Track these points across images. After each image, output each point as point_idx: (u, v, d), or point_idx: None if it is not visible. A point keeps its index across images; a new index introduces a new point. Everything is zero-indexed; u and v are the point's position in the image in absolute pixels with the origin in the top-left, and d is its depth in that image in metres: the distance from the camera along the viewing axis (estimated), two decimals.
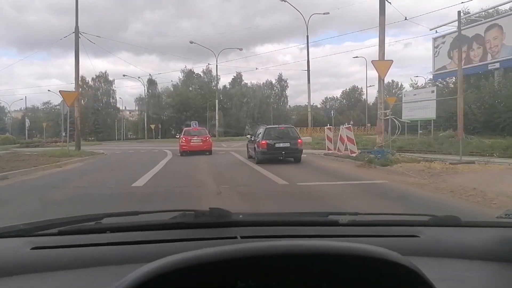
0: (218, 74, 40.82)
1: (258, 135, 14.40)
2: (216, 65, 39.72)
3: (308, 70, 28.22)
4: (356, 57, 50.60)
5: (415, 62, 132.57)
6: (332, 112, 39.64)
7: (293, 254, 0.69)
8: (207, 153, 19.46)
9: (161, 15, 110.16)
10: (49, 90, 69.11)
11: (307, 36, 28.02)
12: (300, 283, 0.68)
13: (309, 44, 26.96)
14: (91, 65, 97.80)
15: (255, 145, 14.17)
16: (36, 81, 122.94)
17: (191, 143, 19.48)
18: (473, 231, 1.44)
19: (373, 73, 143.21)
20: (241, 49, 36.75)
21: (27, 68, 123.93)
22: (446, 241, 1.32)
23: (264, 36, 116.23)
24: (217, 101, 40.90)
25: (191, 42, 38.57)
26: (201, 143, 19.64)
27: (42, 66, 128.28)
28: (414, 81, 44.71)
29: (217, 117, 40.36)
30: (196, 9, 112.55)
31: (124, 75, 61.22)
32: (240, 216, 1.42)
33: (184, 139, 19.72)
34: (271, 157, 13.43)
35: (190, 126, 24.32)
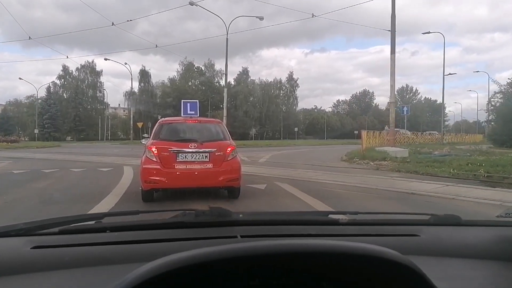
0: (227, 57, 28.35)
1: None
2: (227, 38, 27.55)
3: (393, 30, 16.15)
4: (429, 32, 37.99)
5: (420, 70, 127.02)
6: (405, 109, 27.39)
7: (293, 253, 0.69)
8: (226, 191, 7.00)
9: (168, 15, 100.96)
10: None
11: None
12: (300, 282, 0.67)
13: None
14: None
15: None
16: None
17: (178, 166, 6.42)
18: (473, 230, 1.42)
19: (376, 80, 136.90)
20: (262, 19, 23.94)
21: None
22: (446, 240, 1.32)
23: (270, 39, 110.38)
24: (226, 90, 28.56)
25: (191, 4, 26.42)
26: (211, 166, 6.51)
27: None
28: None
29: (225, 113, 27.95)
30: (203, 11, 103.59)
31: (105, 59, 48.75)
32: (240, 215, 1.39)
33: (156, 150, 6.43)
34: None
35: (178, 115, 9.04)
